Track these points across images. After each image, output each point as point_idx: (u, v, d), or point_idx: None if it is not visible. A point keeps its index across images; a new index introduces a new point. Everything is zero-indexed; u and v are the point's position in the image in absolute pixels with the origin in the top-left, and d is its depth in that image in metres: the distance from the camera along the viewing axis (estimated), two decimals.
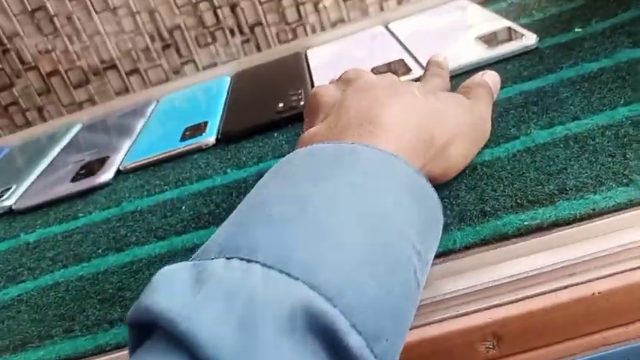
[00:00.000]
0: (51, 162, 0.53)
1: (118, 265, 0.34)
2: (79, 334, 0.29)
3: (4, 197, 0.47)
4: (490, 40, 0.46)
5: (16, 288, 0.35)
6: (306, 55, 0.58)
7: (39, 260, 0.37)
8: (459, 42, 0.48)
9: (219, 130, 0.47)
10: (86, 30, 0.81)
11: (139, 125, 0.55)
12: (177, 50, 0.81)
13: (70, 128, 0.60)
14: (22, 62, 0.82)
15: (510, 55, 0.43)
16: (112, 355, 0.28)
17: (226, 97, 0.54)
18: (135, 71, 0.90)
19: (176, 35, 0.79)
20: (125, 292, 0.31)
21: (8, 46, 0.79)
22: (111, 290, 0.32)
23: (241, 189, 0.38)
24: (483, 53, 0.44)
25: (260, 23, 0.73)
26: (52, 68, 0.83)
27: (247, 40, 0.75)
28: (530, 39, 0.43)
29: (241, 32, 0.74)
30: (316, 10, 0.74)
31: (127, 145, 0.51)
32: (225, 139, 0.46)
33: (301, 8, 0.73)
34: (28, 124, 0.84)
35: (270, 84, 0.54)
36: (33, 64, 0.81)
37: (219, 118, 0.49)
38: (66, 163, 0.51)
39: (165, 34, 0.80)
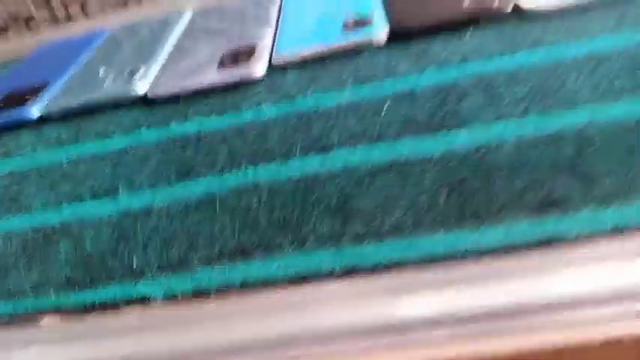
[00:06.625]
0: (176, 48, 0.47)
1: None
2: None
3: (136, 79, 0.42)
4: None
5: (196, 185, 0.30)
6: None
7: (212, 155, 0.32)
8: None
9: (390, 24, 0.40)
10: None
11: (274, 11, 0.48)
12: None
13: (181, 14, 0.54)
14: None
15: None
16: None
17: None
18: None
19: None
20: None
21: None
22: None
23: (445, 92, 0.32)
24: None
25: None
26: None
27: None
28: None
29: None
30: None
31: (269, 33, 0.44)
32: (400, 35, 0.39)
33: None
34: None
35: None
36: None
37: (381, 10, 0.42)
38: (196, 51, 0.45)
39: None
